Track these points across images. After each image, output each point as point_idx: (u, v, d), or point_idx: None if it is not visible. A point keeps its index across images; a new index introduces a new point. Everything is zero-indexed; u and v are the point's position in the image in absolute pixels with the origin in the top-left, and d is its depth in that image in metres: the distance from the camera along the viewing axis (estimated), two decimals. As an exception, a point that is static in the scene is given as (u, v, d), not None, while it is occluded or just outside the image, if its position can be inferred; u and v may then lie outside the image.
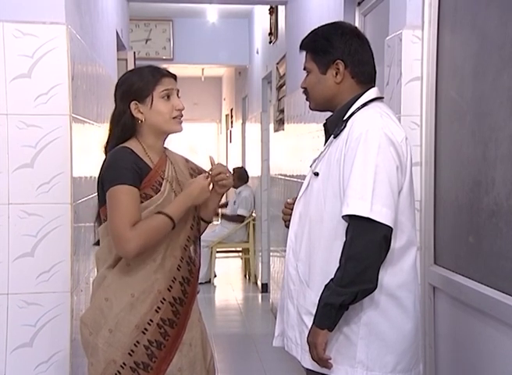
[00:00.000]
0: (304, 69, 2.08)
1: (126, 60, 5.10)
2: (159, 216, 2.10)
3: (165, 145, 2.28)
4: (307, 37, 2.08)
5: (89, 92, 3.09)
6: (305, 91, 2.09)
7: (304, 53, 2.08)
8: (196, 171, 2.34)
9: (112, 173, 2.11)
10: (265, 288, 6.87)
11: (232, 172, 2.44)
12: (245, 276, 7.93)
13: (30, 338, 2.55)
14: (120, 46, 5.09)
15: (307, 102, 2.12)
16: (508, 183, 1.94)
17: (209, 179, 2.21)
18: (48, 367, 2.57)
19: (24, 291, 2.55)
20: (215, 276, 7.65)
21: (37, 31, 2.53)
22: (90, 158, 3.00)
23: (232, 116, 10.64)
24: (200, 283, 7.18)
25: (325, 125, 2.08)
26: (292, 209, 2.11)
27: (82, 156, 2.82)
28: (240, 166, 8.56)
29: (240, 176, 7.85)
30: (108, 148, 2.22)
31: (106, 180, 2.11)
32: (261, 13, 7.00)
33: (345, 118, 1.97)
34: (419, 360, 2.03)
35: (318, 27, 2.09)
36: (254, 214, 7.67)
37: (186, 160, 2.36)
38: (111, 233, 2.09)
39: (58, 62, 2.55)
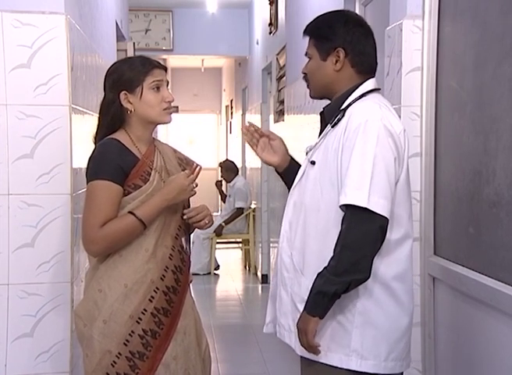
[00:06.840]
0: (306, 54, 2.08)
1: (126, 51, 5.09)
2: (130, 217, 2.09)
3: (162, 139, 2.28)
4: (311, 22, 2.08)
5: (88, 83, 3.08)
6: (305, 77, 2.09)
7: (308, 38, 2.07)
8: (184, 161, 2.35)
9: (93, 166, 2.13)
10: (265, 279, 6.88)
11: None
12: (245, 267, 7.94)
13: (31, 328, 2.56)
14: (120, 37, 5.08)
15: (308, 92, 2.12)
16: (509, 174, 1.94)
17: (191, 177, 2.17)
18: (49, 357, 2.58)
19: (24, 282, 2.55)
20: (219, 266, 7.65)
21: (36, 21, 2.52)
22: (89, 149, 2.99)
23: (232, 107, 10.63)
24: (203, 275, 7.24)
25: (321, 114, 2.08)
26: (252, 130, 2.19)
27: (82, 147, 2.81)
28: (225, 159, 8.41)
29: (229, 169, 7.72)
30: (97, 137, 2.23)
31: (88, 173, 2.14)
32: (261, 3, 6.97)
33: (342, 107, 1.97)
34: (409, 350, 2.03)
35: (324, 13, 2.09)
36: (253, 204, 7.65)
37: (174, 150, 2.37)
38: (81, 227, 2.12)
39: (58, 53, 2.55)
